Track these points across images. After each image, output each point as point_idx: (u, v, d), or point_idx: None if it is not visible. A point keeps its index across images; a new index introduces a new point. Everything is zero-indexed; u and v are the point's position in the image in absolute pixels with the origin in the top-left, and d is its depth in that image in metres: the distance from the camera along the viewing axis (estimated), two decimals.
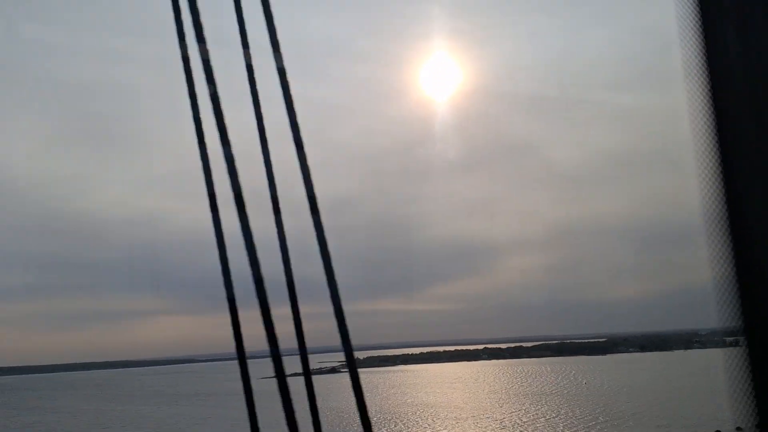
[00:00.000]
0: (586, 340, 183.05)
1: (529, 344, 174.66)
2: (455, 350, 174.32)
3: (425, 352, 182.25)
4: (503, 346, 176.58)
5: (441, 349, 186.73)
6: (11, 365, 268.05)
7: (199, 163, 1.72)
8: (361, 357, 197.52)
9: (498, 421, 50.85)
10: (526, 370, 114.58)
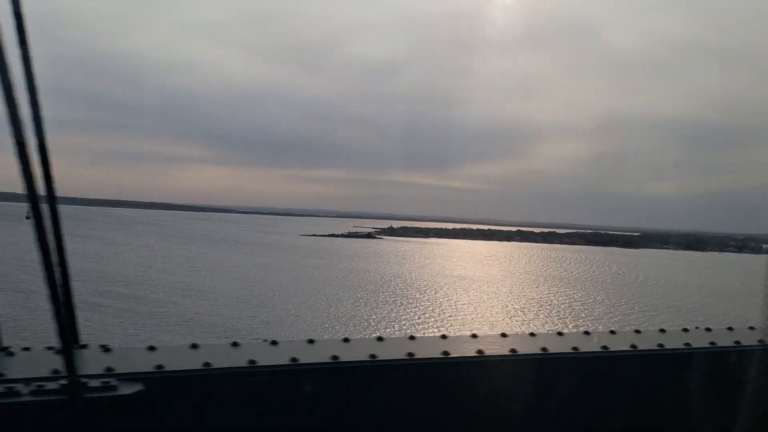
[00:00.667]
0: (619, 233, 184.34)
1: (562, 231, 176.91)
2: (488, 229, 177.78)
3: (458, 228, 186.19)
4: (536, 230, 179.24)
5: (474, 226, 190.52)
6: (60, 195, 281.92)
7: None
8: (395, 226, 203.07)
9: (534, 300, 53.30)
10: (558, 255, 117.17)
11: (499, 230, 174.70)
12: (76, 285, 2.66)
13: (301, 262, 75.73)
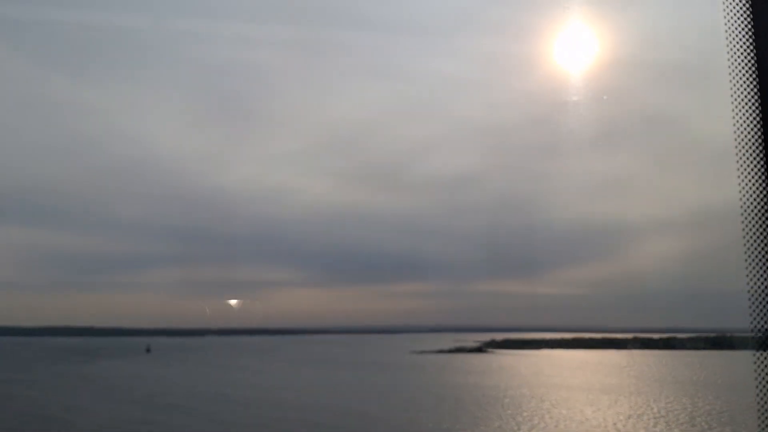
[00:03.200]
0: (747, 334, 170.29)
1: (683, 335, 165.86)
2: (602, 337, 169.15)
3: (569, 338, 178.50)
4: (654, 335, 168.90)
5: (587, 335, 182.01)
6: (164, 327, 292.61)
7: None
8: (497, 339, 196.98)
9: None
10: (688, 362, 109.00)
11: (614, 337, 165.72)
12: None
13: (436, 380, 73.73)
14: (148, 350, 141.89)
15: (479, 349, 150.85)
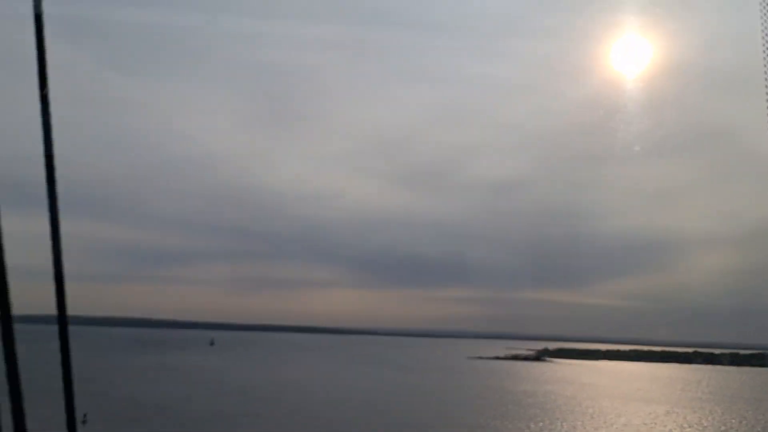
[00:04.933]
0: None
1: (747, 351, 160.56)
2: (662, 351, 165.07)
3: (626, 349, 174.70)
4: (716, 350, 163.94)
5: (645, 348, 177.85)
6: (217, 321, 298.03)
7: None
8: (549, 347, 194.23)
9: None
10: (764, 380, 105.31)
11: (675, 351, 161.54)
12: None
13: (503, 386, 73.29)
14: (211, 343, 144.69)
15: (537, 358, 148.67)
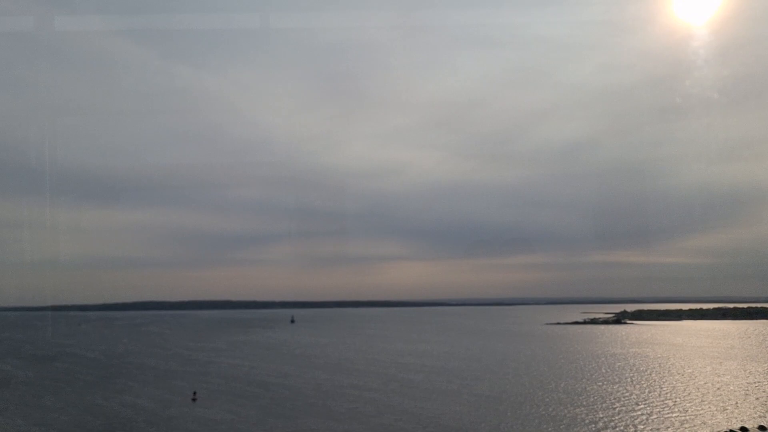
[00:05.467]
0: None
1: None
2: (748, 307, 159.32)
3: (708, 308, 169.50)
4: None
5: (730, 305, 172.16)
6: (292, 300, 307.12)
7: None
8: (628, 310, 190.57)
9: None
10: None
11: (761, 307, 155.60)
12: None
13: (590, 350, 73.02)
14: (292, 321, 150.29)
15: (617, 321, 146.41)
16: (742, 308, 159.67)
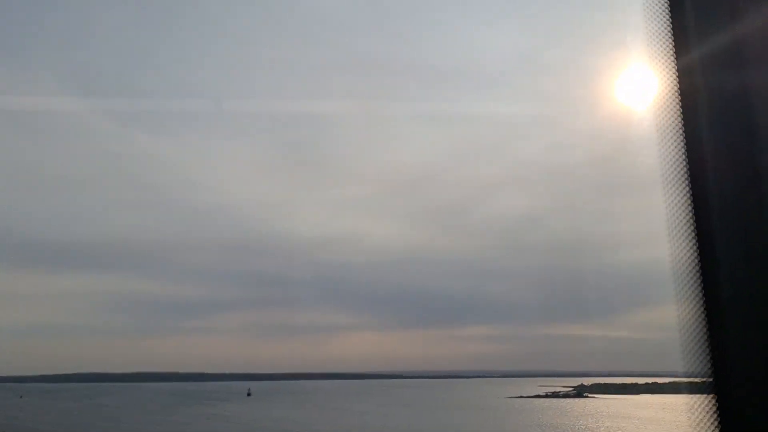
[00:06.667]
0: None
1: None
2: (704, 381, 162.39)
3: (663, 382, 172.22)
4: None
5: (686, 379, 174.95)
6: (225, 372, 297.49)
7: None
8: (585, 383, 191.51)
9: None
10: None
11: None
12: None
13: (575, 423, 72.54)
14: (249, 394, 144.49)
15: (578, 394, 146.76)
16: (698, 382, 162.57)
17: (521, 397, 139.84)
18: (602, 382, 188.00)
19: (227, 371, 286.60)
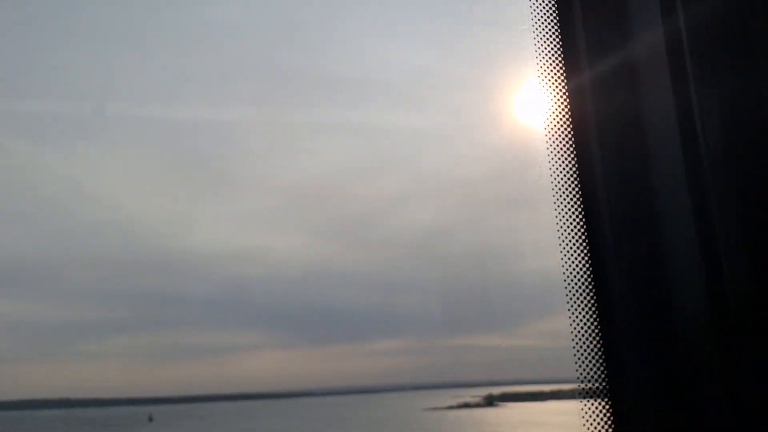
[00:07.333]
0: None
1: None
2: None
3: (567, 389, 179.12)
4: None
5: (588, 386, 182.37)
6: (121, 397, 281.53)
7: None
8: (494, 393, 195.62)
9: None
10: None
11: None
12: None
13: None
14: (150, 419, 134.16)
15: (489, 404, 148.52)
16: (601, 388, 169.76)
17: (435, 409, 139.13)
18: (510, 391, 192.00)
19: (125, 396, 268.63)
